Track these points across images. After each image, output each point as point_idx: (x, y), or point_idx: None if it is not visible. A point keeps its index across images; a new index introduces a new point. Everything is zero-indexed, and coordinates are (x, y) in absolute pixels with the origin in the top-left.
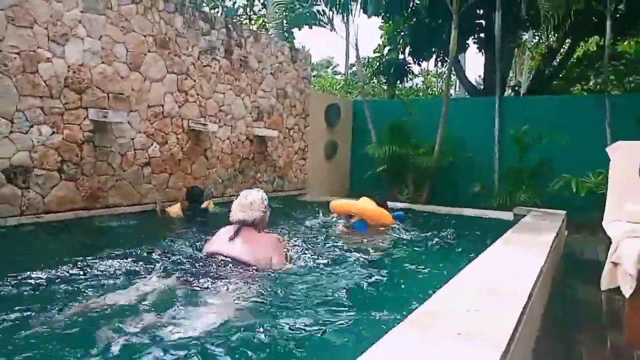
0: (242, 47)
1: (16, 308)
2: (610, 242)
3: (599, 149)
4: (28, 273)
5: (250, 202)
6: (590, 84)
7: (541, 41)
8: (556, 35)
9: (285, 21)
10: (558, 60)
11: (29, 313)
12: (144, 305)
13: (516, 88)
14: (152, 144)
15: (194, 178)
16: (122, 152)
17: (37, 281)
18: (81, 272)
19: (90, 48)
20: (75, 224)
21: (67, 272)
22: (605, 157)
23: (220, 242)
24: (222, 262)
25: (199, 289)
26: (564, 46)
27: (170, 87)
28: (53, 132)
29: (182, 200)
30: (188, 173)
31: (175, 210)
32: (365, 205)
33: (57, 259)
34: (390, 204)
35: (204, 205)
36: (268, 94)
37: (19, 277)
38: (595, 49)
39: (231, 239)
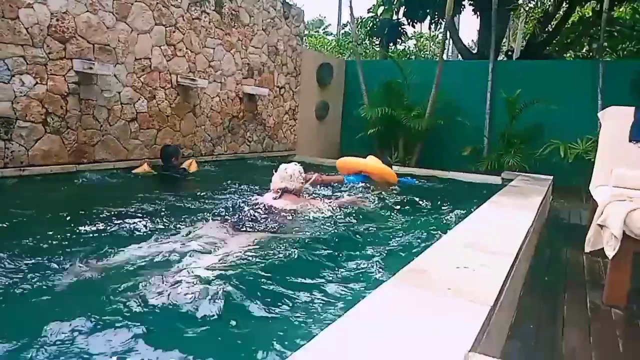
0: (233, 0)
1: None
2: (596, 206)
3: (591, 115)
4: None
5: (290, 174)
6: (584, 50)
7: (538, 5)
8: None
9: None
10: (553, 25)
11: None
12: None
13: (509, 53)
14: (139, 99)
15: (183, 135)
16: (108, 106)
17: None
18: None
19: None
20: (61, 178)
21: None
22: (595, 124)
23: (267, 197)
24: (269, 207)
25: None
26: (559, 11)
27: (159, 40)
28: (36, 83)
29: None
30: (177, 130)
31: (140, 170)
32: (374, 163)
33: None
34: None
35: (184, 165)
36: (259, 51)
37: None
38: (591, 14)
39: (275, 198)
